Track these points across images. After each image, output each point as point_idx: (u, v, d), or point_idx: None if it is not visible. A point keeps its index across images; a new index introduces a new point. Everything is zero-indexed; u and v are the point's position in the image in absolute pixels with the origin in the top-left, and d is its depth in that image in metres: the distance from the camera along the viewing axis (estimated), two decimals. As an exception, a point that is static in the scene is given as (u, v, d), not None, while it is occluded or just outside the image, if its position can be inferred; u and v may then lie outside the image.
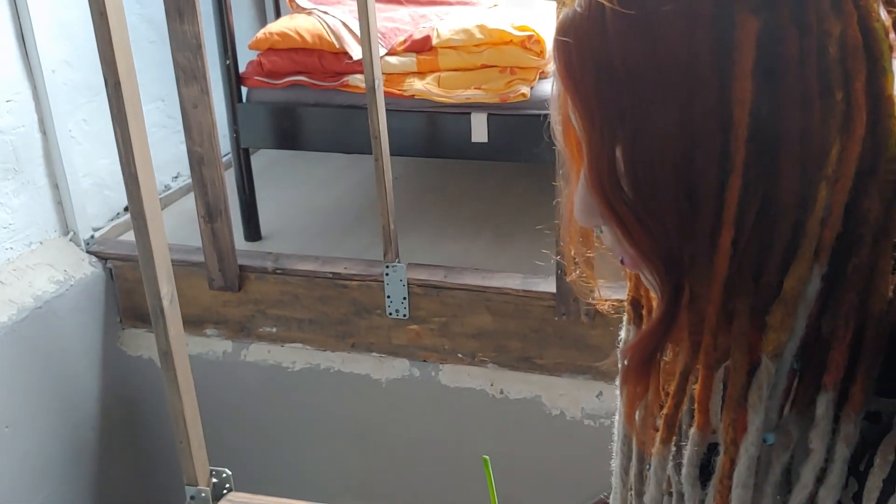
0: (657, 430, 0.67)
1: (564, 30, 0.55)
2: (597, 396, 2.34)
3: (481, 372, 2.42)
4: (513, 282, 2.32)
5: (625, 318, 0.75)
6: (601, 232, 0.63)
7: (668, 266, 0.56)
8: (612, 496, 0.79)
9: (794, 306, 0.55)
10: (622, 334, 0.76)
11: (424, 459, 2.55)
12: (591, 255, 0.72)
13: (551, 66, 2.68)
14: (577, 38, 0.54)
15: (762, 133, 0.52)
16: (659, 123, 0.52)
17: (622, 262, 0.62)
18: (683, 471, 0.62)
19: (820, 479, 0.56)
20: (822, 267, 0.55)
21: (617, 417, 0.77)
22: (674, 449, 0.64)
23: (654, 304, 0.71)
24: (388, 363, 2.49)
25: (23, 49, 2.48)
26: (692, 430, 0.61)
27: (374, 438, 2.58)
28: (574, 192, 0.65)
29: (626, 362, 0.63)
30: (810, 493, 0.57)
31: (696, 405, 0.60)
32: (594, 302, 0.78)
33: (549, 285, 2.27)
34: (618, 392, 0.77)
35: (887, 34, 0.53)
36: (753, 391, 0.56)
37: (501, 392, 2.41)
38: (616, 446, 0.77)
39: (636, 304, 0.72)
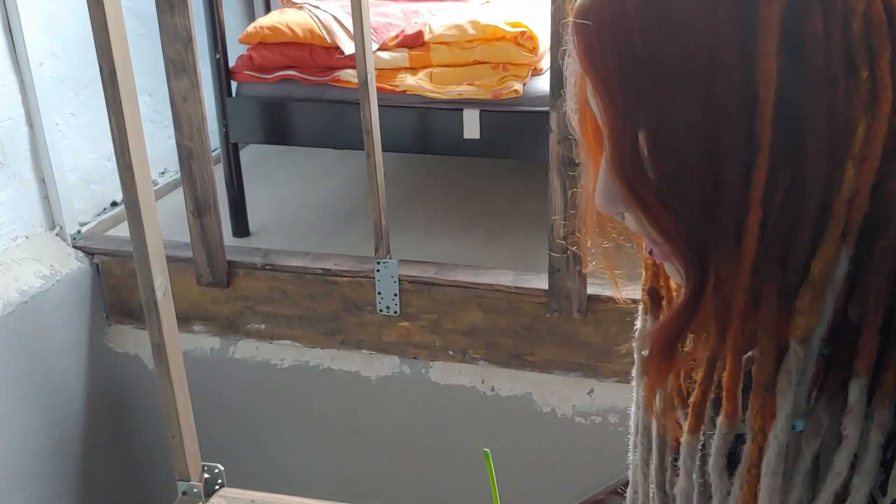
0: (677, 420, 0.67)
1: (583, 12, 0.54)
2: (588, 394, 2.33)
3: (472, 369, 2.41)
4: (504, 278, 2.32)
5: (640, 308, 0.74)
6: (622, 219, 0.62)
7: (694, 250, 0.55)
8: (629, 490, 0.78)
9: (823, 289, 0.54)
10: (638, 324, 0.74)
11: (414, 457, 2.54)
12: (607, 245, 0.71)
13: (544, 63, 2.68)
14: (597, 21, 0.53)
15: (788, 112, 0.51)
16: (683, 105, 0.51)
17: (650, 252, 0.61)
18: (710, 461, 0.61)
19: (853, 467, 0.55)
20: (849, 249, 0.54)
21: (633, 409, 0.76)
22: (702, 439, 0.63)
23: (675, 292, 0.70)
24: (378, 360, 2.48)
25: (10, 41, 2.45)
26: (720, 419, 0.60)
27: (363, 436, 2.57)
28: (592, 181, 0.65)
29: (646, 350, 0.62)
30: (843, 481, 0.56)
31: (724, 393, 0.59)
32: (615, 297, 0.76)
33: (540, 282, 2.27)
34: (634, 384, 0.76)
35: None
36: (782, 376, 0.55)
37: (492, 389, 2.40)
38: (635, 439, 0.76)
39: (654, 293, 0.72)
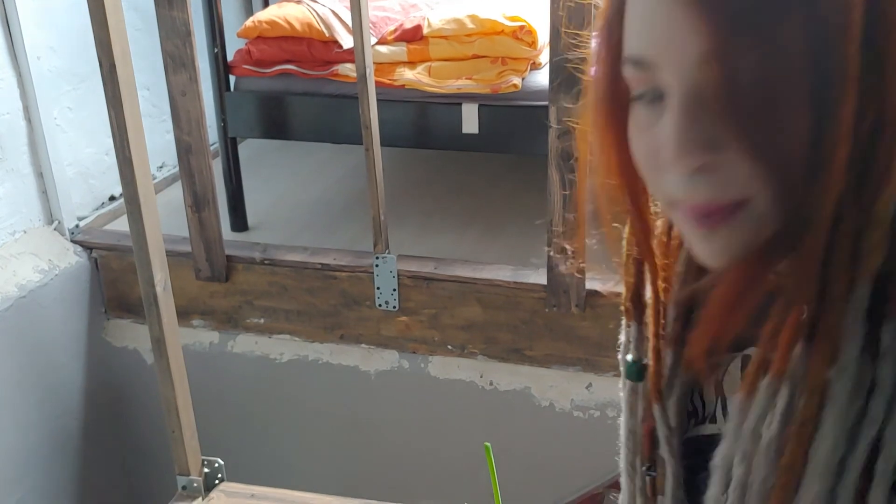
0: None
1: None
2: (586, 388, 2.34)
3: (471, 363, 2.41)
4: (503, 274, 2.32)
5: (623, 320, 0.74)
6: (694, 181, 0.56)
7: (788, 183, 0.53)
8: (621, 496, 0.78)
9: (888, 227, 0.54)
10: (622, 337, 0.74)
11: (413, 451, 2.54)
12: (622, 212, 0.68)
13: (543, 57, 2.67)
14: None
15: (871, 41, 0.51)
16: (790, 30, 0.50)
17: (707, 216, 0.57)
18: (750, 423, 0.58)
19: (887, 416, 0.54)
20: None
21: (624, 410, 0.75)
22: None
23: (662, 294, 0.70)
24: (377, 355, 2.48)
25: (7, 35, 2.44)
26: (765, 381, 0.57)
27: (362, 430, 2.57)
28: (606, 167, 0.63)
29: (720, 296, 0.58)
30: (878, 430, 0.55)
31: (779, 348, 0.57)
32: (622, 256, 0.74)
33: (539, 277, 2.27)
34: (621, 393, 0.76)
35: None
36: (851, 317, 0.54)
37: (491, 384, 2.41)
38: (622, 442, 0.75)
39: (637, 301, 0.71)
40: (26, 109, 2.51)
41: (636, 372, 0.73)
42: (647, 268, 0.70)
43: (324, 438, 2.62)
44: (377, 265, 2.36)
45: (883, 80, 0.51)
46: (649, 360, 0.71)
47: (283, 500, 1.60)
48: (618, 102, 0.61)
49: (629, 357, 0.73)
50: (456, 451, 2.47)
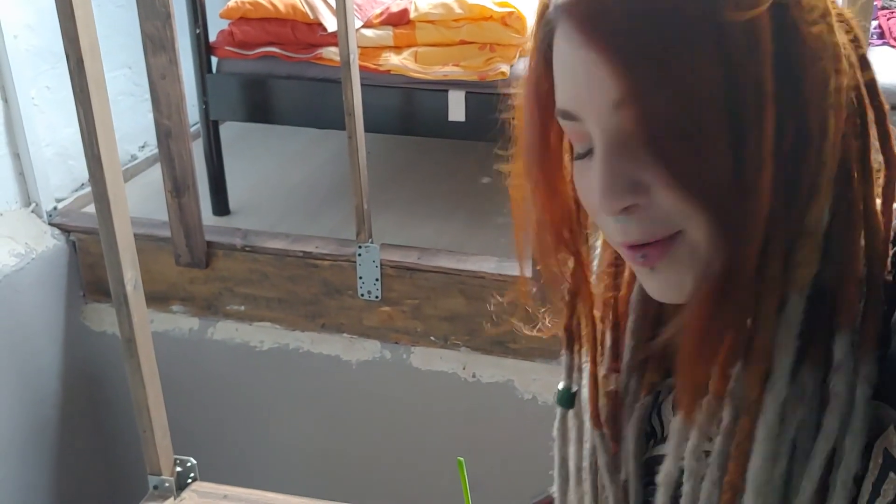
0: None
1: None
2: (570, 382, 2.31)
3: (454, 355, 2.39)
4: (487, 265, 2.28)
5: (563, 350, 0.75)
6: (623, 221, 0.57)
7: (722, 212, 0.54)
8: None
9: (819, 240, 0.55)
10: (564, 361, 0.75)
11: (394, 442, 2.52)
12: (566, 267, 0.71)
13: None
14: None
15: (786, 61, 0.52)
16: (701, 61, 0.52)
17: (643, 257, 0.58)
18: (690, 445, 0.60)
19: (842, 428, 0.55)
20: (829, 200, 0.55)
21: (556, 441, 0.76)
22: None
23: (595, 325, 0.71)
24: (359, 344, 2.45)
25: (-18, 12, 2.38)
26: (705, 400, 0.59)
27: (342, 420, 2.55)
28: (542, 208, 0.65)
29: (689, 347, 0.59)
30: (833, 446, 0.55)
31: (717, 368, 0.58)
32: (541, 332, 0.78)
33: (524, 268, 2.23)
34: (556, 422, 0.76)
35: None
36: (782, 331, 0.55)
37: (474, 376, 2.38)
38: (556, 471, 0.76)
39: (569, 330, 0.73)
40: (2, 89, 2.45)
41: (567, 399, 0.74)
42: (580, 300, 0.72)
43: (303, 427, 2.59)
44: (360, 254, 2.33)
45: (802, 94, 0.53)
46: (584, 386, 0.72)
47: (256, 501, 1.57)
48: (547, 150, 0.63)
49: (561, 384, 0.75)
50: (437, 443, 2.45)
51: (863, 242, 0.57)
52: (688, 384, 0.61)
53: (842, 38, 0.55)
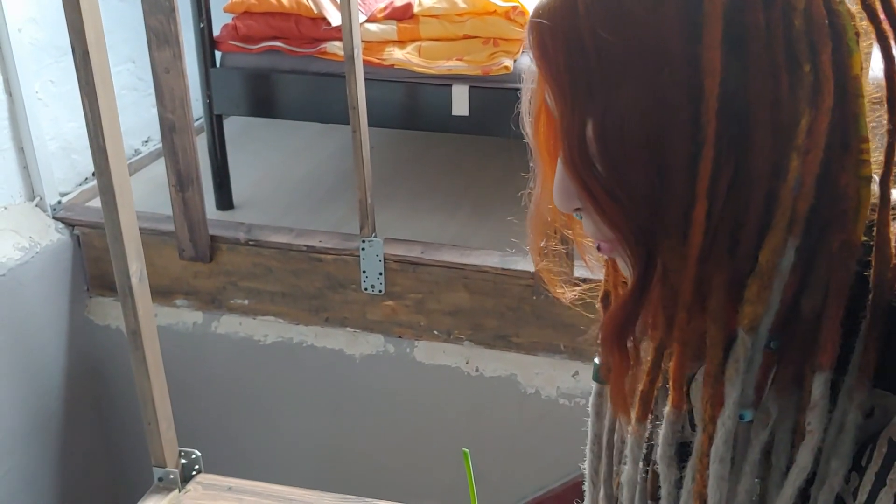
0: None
1: (539, 12, 0.57)
2: (572, 376, 2.32)
3: (457, 349, 2.39)
4: (491, 260, 2.29)
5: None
6: (580, 217, 0.63)
7: (640, 240, 0.56)
8: (586, 499, 0.79)
9: (770, 280, 0.55)
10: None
11: (398, 436, 2.53)
12: (554, 248, 0.75)
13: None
14: (550, 19, 0.56)
15: (733, 103, 0.53)
16: (629, 97, 0.53)
17: (598, 248, 0.63)
18: (658, 450, 0.61)
19: (817, 461, 0.56)
20: (796, 239, 0.55)
21: (590, 417, 0.76)
22: (650, 427, 0.64)
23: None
24: (363, 338, 2.45)
25: (-13, 6, 2.38)
26: (666, 408, 0.60)
27: (346, 413, 2.55)
28: (542, 185, 0.69)
29: (599, 338, 0.63)
30: (808, 475, 0.57)
31: (670, 382, 0.59)
32: (558, 293, 0.80)
33: (527, 264, 2.24)
34: (592, 392, 0.77)
35: (852, 17, 0.54)
36: (730, 365, 0.56)
37: (477, 370, 2.39)
38: (587, 447, 0.77)
39: (607, 301, 0.74)
40: (7, 82, 2.45)
41: (601, 374, 0.75)
42: (616, 272, 0.73)
43: (307, 420, 2.60)
44: (363, 248, 2.33)
45: (748, 137, 0.53)
46: None
47: (260, 493, 1.57)
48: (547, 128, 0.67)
49: (596, 359, 0.76)
50: (440, 437, 2.46)
51: (872, 269, 0.56)
52: (603, 373, 0.67)
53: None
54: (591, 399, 0.76)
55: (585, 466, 0.77)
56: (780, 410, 0.58)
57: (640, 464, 0.65)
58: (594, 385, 0.76)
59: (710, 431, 0.57)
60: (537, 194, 0.70)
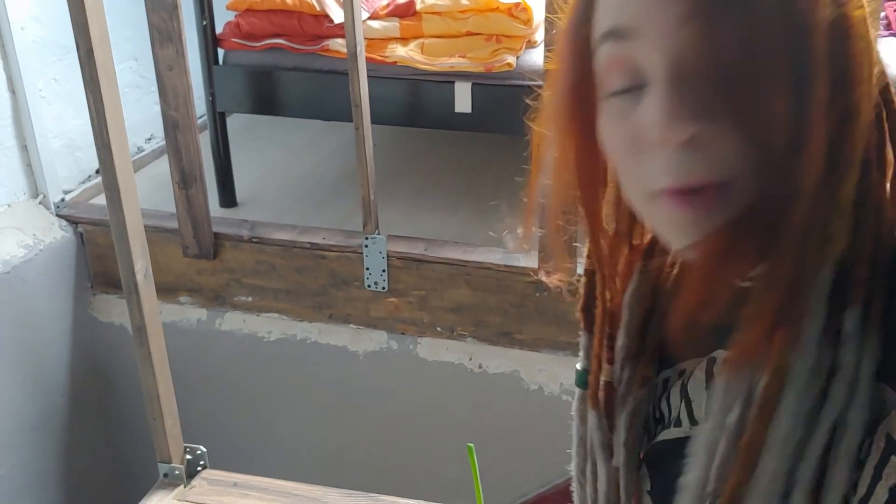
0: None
1: None
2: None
3: (460, 346, 2.40)
4: (494, 256, 2.29)
5: (581, 330, 0.75)
6: (680, 155, 0.54)
7: (769, 163, 0.53)
8: (574, 499, 0.79)
9: (851, 213, 0.55)
10: (582, 341, 0.75)
11: (401, 433, 2.53)
12: (570, 226, 0.70)
13: (538, 35, 2.62)
14: None
15: (836, 33, 0.53)
16: (770, 13, 0.52)
17: (686, 195, 0.55)
18: (715, 403, 0.59)
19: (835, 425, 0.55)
20: (856, 180, 0.55)
21: (575, 419, 0.76)
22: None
23: (609, 303, 0.71)
24: (366, 335, 2.46)
25: (-10, 4, 2.39)
26: (726, 353, 0.59)
27: (350, 410, 2.56)
28: (565, 160, 0.63)
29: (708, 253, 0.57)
30: (840, 415, 0.55)
31: (749, 326, 0.57)
32: (560, 281, 0.78)
33: (531, 261, 2.24)
34: (575, 398, 0.76)
35: None
36: (813, 299, 0.55)
37: (480, 366, 2.39)
38: (573, 450, 0.76)
39: (588, 310, 0.72)
40: (10, 80, 2.46)
41: (584, 380, 0.74)
42: (598, 278, 0.72)
43: (310, 416, 2.60)
44: (367, 245, 2.33)
45: (849, 71, 0.53)
46: (590, 367, 0.73)
47: (266, 488, 1.58)
48: (582, 99, 0.60)
49: (579, 365, 0.74)
50: (443, 433, 2.46)
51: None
52: (688, 305, 0.58)
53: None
54: (574, 405, 0.76)
55: (573, 468, 0.77)
56: (829, 354, 0.56)
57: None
58: (577, 390, 0.75)
59: (782, 374, 0.55)
60: (561, 164, 0.65)
